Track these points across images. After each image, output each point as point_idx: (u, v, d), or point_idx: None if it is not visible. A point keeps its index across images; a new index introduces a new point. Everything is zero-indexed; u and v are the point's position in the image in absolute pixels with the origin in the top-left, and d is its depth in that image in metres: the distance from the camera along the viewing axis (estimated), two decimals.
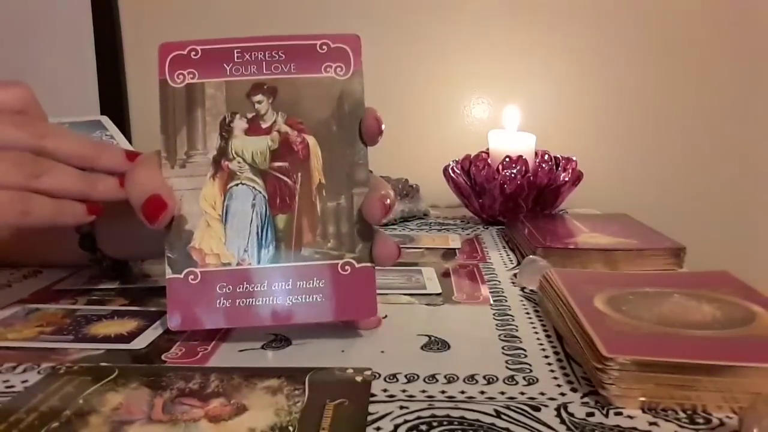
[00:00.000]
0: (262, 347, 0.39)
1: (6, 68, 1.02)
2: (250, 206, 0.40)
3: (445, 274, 0.55)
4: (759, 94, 1.00)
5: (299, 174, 0.40)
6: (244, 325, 0.40)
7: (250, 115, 0.40)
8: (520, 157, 0.78)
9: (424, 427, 0.29)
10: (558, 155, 0.81)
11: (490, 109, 1.02)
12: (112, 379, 0.33)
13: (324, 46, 0.40)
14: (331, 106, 0.40)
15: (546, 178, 0.78)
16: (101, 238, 0.49)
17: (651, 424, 0.30)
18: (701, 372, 0.31)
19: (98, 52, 1.03)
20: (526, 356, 0.38)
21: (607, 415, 0.31)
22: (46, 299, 0.47)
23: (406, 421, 0.30)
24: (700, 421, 0.30)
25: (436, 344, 0.39)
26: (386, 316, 0.44)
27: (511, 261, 0.62)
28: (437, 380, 0.34)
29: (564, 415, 0.31)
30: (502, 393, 0.33)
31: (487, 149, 0.83)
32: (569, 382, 0.34)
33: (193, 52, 0.40)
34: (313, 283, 0.39)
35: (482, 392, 0.33)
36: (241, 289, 0.39)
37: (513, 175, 0.77)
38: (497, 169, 0.77)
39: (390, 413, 0.30)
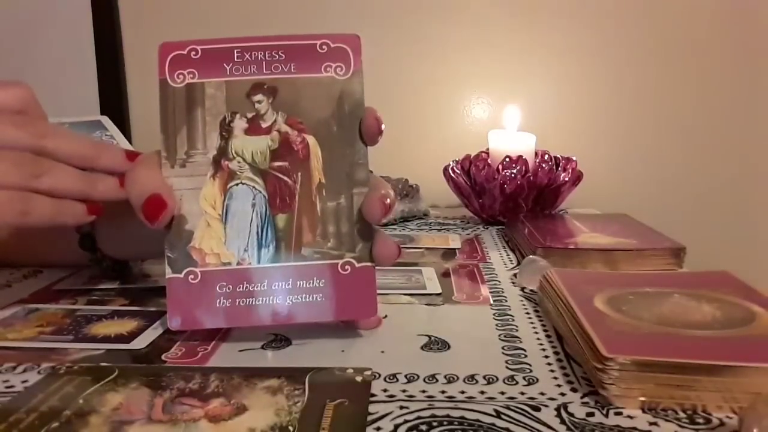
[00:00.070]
0: (262, 347, 0.39)
1: (6, 68, 1.02)
2: (250, 206, 0.40)
3: (445, 274, 0.55)
4: (759, 94, 1.00)
5: (299, 174, 0.40)
6: (244, 325, 0.40)
7: (250, 115, 0.40)
8: (520, 157, 0.78)
9: (424, 427, 0.29)
10: (558, 155, 0.81)
11: (490, 109, 1.02)
12: (112, 379, 0.33)
13: (324, 46, 0.40)
14: (331, 105, 0.40)
15: (546, 178, 0.78)
16: (101, 238, 0.49)
17: (651, 424, 0.30)
18: (701, 372, 0.31)
19: (98, 52, 1.03)
20: (526, 356, 0.38)
21: (607, 415, 0.31)
22: (46, 299, 0.47)
23: (406, 421, 0.30)
24: (700, 421, 0.30)
25: (436, 344, 0.39)
26: (386, 316, 0.44)
27: (511, 261, 0.62)
28: (437, 380, 0.34)
29: (564, 415, 0.31)
30: (502, 393, 0.33)
31: (487, 149, 0.83)
32: (569, 382, 0.34)
33: (193, 52, 0.40)
34: (313, 283, 0.39)
35: (482, 392, 0.33)
36: (241, 289, 0.39)
37: (513, 175, 0.77)
38: (497, 169, 0.77)
39: (390, 413, 0.30)
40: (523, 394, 0.33)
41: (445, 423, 0.30)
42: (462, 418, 0.30)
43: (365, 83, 0.40)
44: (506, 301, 0.48)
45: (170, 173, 0.39)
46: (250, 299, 0.39)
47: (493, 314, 0.45)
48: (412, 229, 0.77)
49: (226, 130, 0.40)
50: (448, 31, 1.00)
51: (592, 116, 1.02)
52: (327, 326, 0.41)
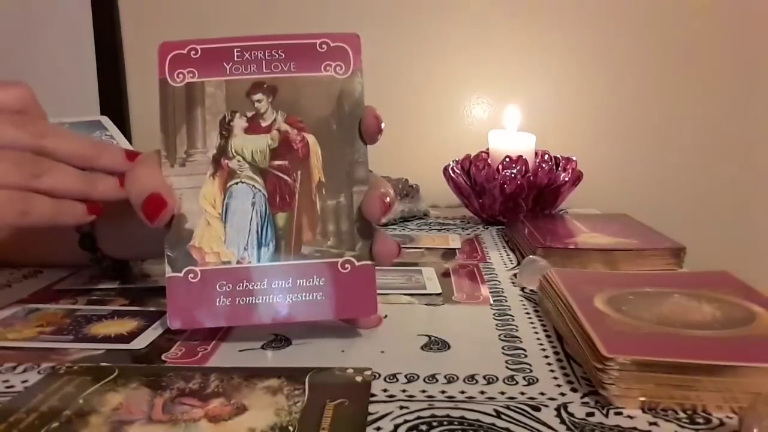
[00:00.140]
0: (262, 347, 0.39)
1: (6, 68, 1.02)
2: (250, 205, 0.40)
3: (445, 274, 0.55)
4: (759, 94, 1.00)
5: (299, 172, 0.40)
6: (244, 324, 0.40)
7: (249, 114, 0.40)
8: (520, 157, 0.78)
9: (424, 427, 0.29)
10: (558, 155, 0.81)
11: (490, 109, 1.02)
12: (112, 379, 0.33)
13: (324, 45, 0.40)
14: (331, 104, 0.40)
15: (546, 178, 0.78)
16: (101, 238, 0.49)
17: (651, 424, 0.30)
18: (701, 372, 0.31)
19: (98, 52, 1.03)
20: (526, 356, 0.38)
21: (607, 415, 0.31)
22: (46, 299, 0.47)
23: (406, 421, 0.30)
24: (700, 421, 0.30)
25: (436, 344, 0.39)
26: (386, 316, 0.44)
27: (511, 261, 0.61)
28: (437, 380, 0.34)
29: (564, 415, 0.30)
30: (502, 393, 0.33)
31: (487, 149, 0.83)
32: (569, 382, 0.34)
33: (193, 51, 0.40)
34: (313, 282, 0.39)
35: (482, 392, 0.33)
36: (240, 288, 0.39)
37: (513, 175, 0.77)
38: (497, 169, 0.77)
39: (390, 413, 0.30)
40: (523, 394, 0.33)
41: (445, 423, 0.30)
42: (462, 418, 0.30)
43: (365, 83, 0.40)
44: (506, 301, 0.48)
45: (170, 172, 0.39)
46: (250, 298, 0.39)
47: (493, 314, 0.45)
48: (412, 229, 0.77)
49: (225, 129, 0.40)
50: (448, 31, 1.00)
51: (592, 116, 1.02)
52: (327, 326, 0.41)
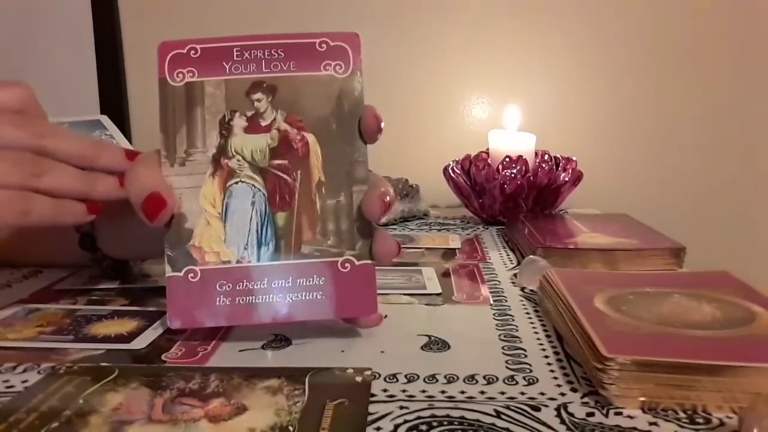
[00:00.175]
0: (262, 347, 0.39)
1: (6, 68, 1.02)
2: (250, 204, 0.40)
3: (445, 274, 0.55)
4: (759, 95, 1.00)
5: (299, 172, 0.40)
6: (244, 323, 0.39)
7: (249, 113, 0.40)
8: (520, 157, 0.78)
9: (424, 427, 0.29)
10: (558, 155, 0.81)
11: (490, 109, 1.02)
12: (112, 379, 0.33)
13: (323, 45, 0.40)
14: (331, 104, 0.40)
15: (546, 178, 0.78)
16: (101, 238, 0.49)
17: (651, 424, 0.30)
18: (701, 372, 0.31)
19: (98, 52, 1.03)
20: (526, 356, 0.38)
21: (607, 415, 0.31)
22: (46, 299, 0.47)
23: (406, 421, 0.30)
24: (700, 421, 0.30)
25: (436, 344, 0.39)
26: (386, 316, 0.44)
27: (511, 261, 0.61)
28: (437, 380, 0.34)
29: (564, 415, 0.30)
30: (502, 393, 0.33)
31: (487, 149, 0.83)
32: (569, 382, 0.34)
33: (193, 51, 0.40)
34: (313, 281, 0.39)
35: (482, 392, 0.33)
36: (240, 287, 0.39)
37: (513, 175, 0.77)
38: (497, 169, 0.77)
39: (390, 413, 0.30)
40: (523, 394, 0.33)
41: (445, 423, 0.30)
42: (462, 418, 0.30)
43: (365, 82, 0.40)
44: (506, 301, 0.48)
45: (170, 172, 0.39)
46: (250, 297, 0.39)
47: (493, 314, 0.45)
48: (412, 229, 0.77)
49: (225, 129, 0.40)
50: (448, 31, 1.00)
51: (592, 116, 1.02)
52: (327, 326, 0.41)
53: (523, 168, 0.77)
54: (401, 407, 0.31)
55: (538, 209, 0.79)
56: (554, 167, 0.79)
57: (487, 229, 0.78)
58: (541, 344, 0.40)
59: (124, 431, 0.28)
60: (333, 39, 0.40)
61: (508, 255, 0.64)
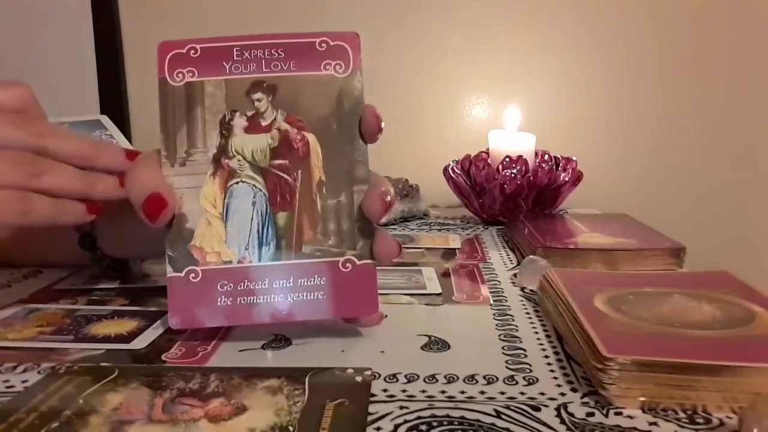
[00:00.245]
0: (262, 347, 0.39)
1: (6, 68, 1.02)
2: (251, 204, 0.40)
3: (445, 274, 0.55)
4: (759, 95, 1.00)
5: (299, 171, 0.40)
6: (245, 323, 0.39)
7: (249, 113, 0.40)
8: (520, 157, 0.78)
9: (424, 427, 0.29)
10: (558, 155, 0.81)
11: (490, 109, 1.02)
12: (112, 379, 0.33)
13: (323, 44, 0.40)
14: (331, 103, 0.40)
15: (546, 178, 0.78)
16: (101, 238, 0.49)
17: (651, 424, 0.30)
18: (701, 372, 0.31)
19: (98, 52, 1.03)
20: (526, 356, 0.38)
21: (607, 415, 0.31)
22: (46, 299, 0.47)
23: (406, 421, 0.30)
24: (700, 421, 0.30)
25: (436, 344, 0.39)
26: (386, 315, 0.44)
27: (511, 261, 0.61)
28: (437, 380, 0.34)
29: (564, 415, 0.30)
30: (502, 393, 0.33)
31: (487, 149, 0.83)
32: (569, 382, 0.34)
33: (193, 51, 0.40)
34: (314, 281, 0.39)
35: (482, 392, 0.33)
36: (241, 288, 0.39)
37: (513, 175, 0.77)
38: (497, 169, 0.77)
39: (390, 413, 0.30)
40: (523, 394, 0.33)
41: (445, 423, 0.30)
42: (462, 418, 0.30)
43: (365, 82, 0.40)
44: (506, 301, 0.48)
45: (170, 172, 0.39)
46: (251, 297, 0.39)
47: (493, 314, 0.45)
48: (412, 229, 0.77)
49: (225, 129, 0.40)
50: (448, 31, 1.00)
51: (592, 116, 1.02)
52: (327, 326, 0.41)
53: (523, 168, 0.77)
54: (401, 407, 0.31)
55: (538, 209, 0.79)
56: (554, 167, 0.79)
57: (487, 229, 0.78)
58: (541, 344, 0.40)
59: (124, 431, 0.28)
60: (333, 39, 0.40)
61: (508, 255, 0.64)
